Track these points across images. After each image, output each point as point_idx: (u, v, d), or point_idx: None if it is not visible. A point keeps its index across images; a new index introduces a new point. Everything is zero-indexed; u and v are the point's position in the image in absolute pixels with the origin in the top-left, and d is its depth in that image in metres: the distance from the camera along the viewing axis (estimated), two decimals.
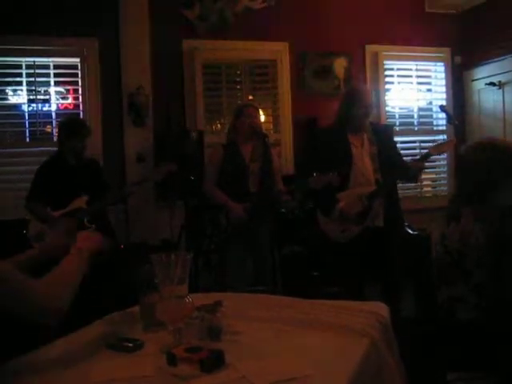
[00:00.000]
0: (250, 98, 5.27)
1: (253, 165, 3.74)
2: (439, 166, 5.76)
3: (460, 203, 2.33)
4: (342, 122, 3.60)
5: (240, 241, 3.71)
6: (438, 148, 3.68)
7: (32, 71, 4.64)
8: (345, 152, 3.51)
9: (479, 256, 2.14)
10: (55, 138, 4.72)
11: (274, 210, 4.00)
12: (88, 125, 4.09)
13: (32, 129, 4.72)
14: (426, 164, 3.75)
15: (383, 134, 3.70)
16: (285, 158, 5.16)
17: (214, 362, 1.41)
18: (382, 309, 1.92)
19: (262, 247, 3.81)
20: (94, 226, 3.68)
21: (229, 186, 3.72)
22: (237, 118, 3.83)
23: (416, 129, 5.73)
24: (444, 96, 5.71)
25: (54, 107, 4.80)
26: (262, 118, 4.79)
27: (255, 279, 3.81)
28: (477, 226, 2.18)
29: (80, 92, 4.76)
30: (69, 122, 4.11)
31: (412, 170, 3.56)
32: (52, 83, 4.75)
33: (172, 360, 1.43)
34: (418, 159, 3.64)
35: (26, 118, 4.73)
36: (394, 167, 3.55)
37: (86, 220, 3.68)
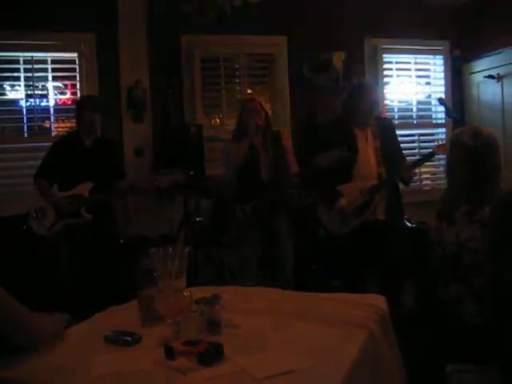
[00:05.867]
0: (249, 91, 5.26)
1: (264, 154, 3.72)
2: (438, 159, 5.75)
3: (453, 204, 2.32)
4: (348, 115, 3.60)
5: (255, 235, 3.72)
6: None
7: (30, 66, 4.62)
8: (351, 145, 3.51)
9: (476, 260, 2.13)
10: (53, 134, 4.74)
11: (289, 202, 3.99)
12: (98, 100, 4.09)
13: (30, 124, 4.71)
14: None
15: (387, 129, 3.70)
16: None
17: (213, 355, 1.41)
18: (380, 301, 1.92)
19: (281, 237, 3.77)
20: (90, 215, 3.70)
21: (241, 175, 3.72)
22: (241, 114, 3.86)
23: (415, 122, 5.72)
24: (443, 89, 5.70)
25: (52, 102, 4.78)
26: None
27: (272, 273, 3.80)
28: (471, 228, 2.17)
29: (78, 87, 4.75)
30: (80, 98, 4.24)
31: (404, 175, 3.57)
32: (50, 78, 4.73)
33: (170, 353, 1.43)
34: (411, 165, 3.64)
35: (24, 113, 4.71)
36: (397, 163, 3.57)
37: (83, 209, 3.70)
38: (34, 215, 3.69)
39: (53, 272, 3.68)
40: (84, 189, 3.73)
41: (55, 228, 3.71)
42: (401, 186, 3.75)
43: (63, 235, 3.72)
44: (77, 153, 3.81)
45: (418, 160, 3.85)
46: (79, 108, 3.91)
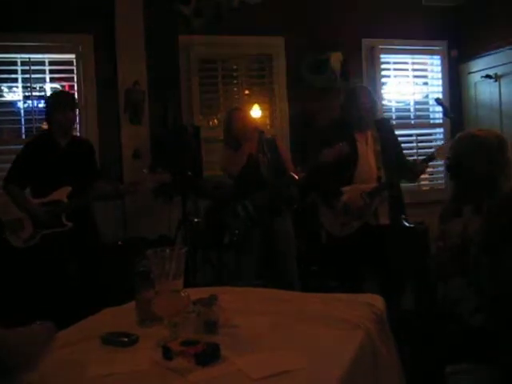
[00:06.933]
0: (246, 92, 5.27)
1: (262, 157, 3.73)
2: (436, 161, 5.74)
3: (461, 202, 2.32)
4: (345, 119, 3.62)
5: (257, 234, 3.72)
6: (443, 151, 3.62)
7: (27, 68, 4.61)
8: (351, 148, 3.51)
9: (478, 253, 2.12)
10: None
11: (290, 204, 4.00)
12: (74, 97, 3.84)
13: (28, 126, 4.69)
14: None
15: (387, 131, 3.71)
16: None
17: (210, 355, 1.41)
18: (377, 301, 1.93)
19: (285, 237, 3.77)
20: (71, 223, 3.45)
21: (242, 177, 3.75)
22: (228, 124, 3.90)
23: (413, 122, 5.72)
24: (440, 89, 5.70)
25: None
26: (258, 113, 4.81)
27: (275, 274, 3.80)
28: (479, 221, 2.16)
29: (76, 88, 4.73)
30: (53, 95, 4.02)
31: (413, 171, 3.57)
32: (47, 80, 4.72)
33: (167, 353, 1.43)
34: (422, 161, 3.64)
35: (22, 114, 4.71)
36: (399, 166, 3.57)
37: (63, 217, 3.44)
38: (10, 227, 3.43)
39: (39, 282, 3.40)
40: (62, 194, 3.45)
41: (34, 240, 3.44)
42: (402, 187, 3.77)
43: (42, 245, 3.45)
44: (51, 154, 3.51)
45: (429, 156, 3.78)
46: (51, 107, 3.60)
